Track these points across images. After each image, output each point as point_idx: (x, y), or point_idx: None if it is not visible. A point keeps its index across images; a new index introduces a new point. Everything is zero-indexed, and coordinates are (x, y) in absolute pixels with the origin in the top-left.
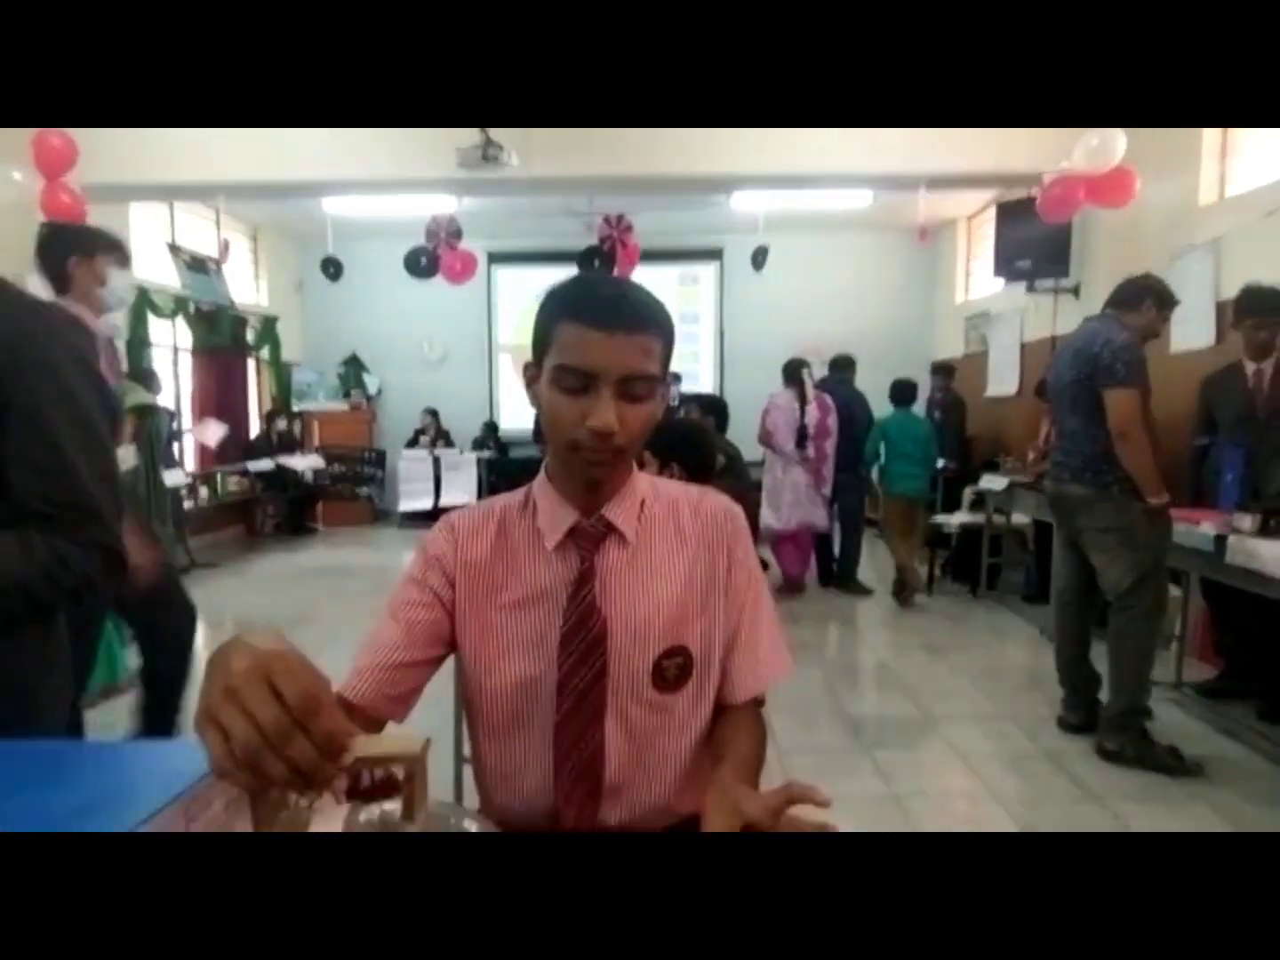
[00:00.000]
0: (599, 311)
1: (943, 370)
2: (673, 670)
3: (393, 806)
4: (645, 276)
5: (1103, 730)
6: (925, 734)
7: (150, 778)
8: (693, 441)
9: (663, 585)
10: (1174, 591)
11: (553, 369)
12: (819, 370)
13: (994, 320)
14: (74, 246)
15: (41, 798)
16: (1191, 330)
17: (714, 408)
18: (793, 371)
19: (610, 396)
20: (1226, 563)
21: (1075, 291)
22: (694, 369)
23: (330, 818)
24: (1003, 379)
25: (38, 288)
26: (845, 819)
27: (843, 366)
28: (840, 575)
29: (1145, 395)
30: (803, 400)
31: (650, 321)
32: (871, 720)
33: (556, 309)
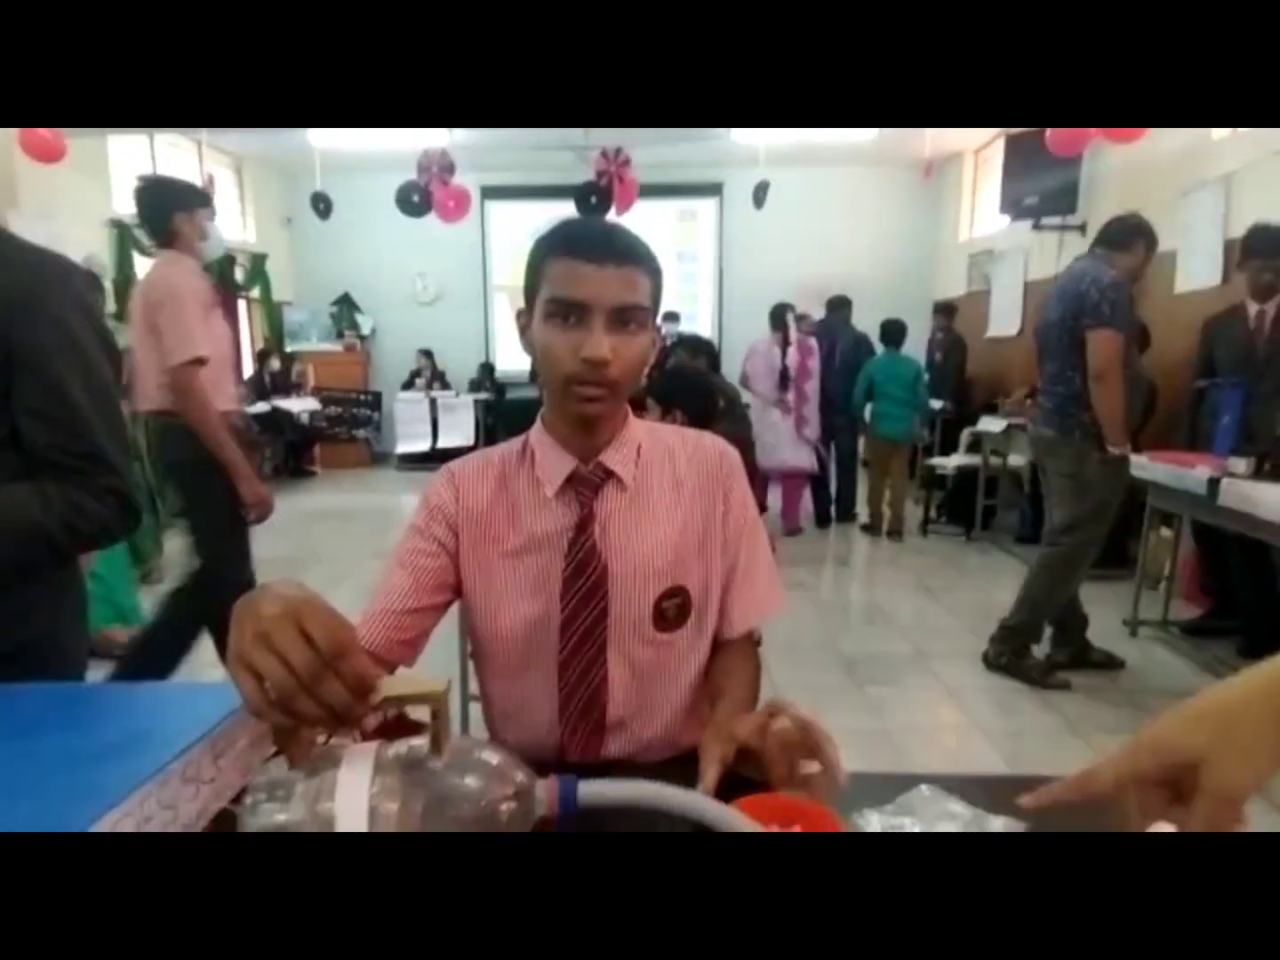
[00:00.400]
0: (588, 245)
1: (944, 310)
2: (672, 610)
3: (419, 742)
4: (643, 212)
5: (992, 639)
6: (917, 671)
7: (178, 718)
8: (694, 387)
9: (661, 528)
10: (1165, 534)
11: (545, 303)
12: (819, 311)
13: (997, 258)
14: (177, 202)
15: (73, 738)
16: (1198, 269)
17: (702, 349)
18: (778, 316)
19: (603, 327)
20: (1219, 505)
21: (1082, 229)
22: (692, 309)
23: (360, 755)
24: (1004, 319)
25: (20, 228)
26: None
27: (840, 307)
28: (838, 515)
29: (1135, 338)
30: (785, 344)
31: (638, 256)
32: (865, 658)
33: (546, 247)
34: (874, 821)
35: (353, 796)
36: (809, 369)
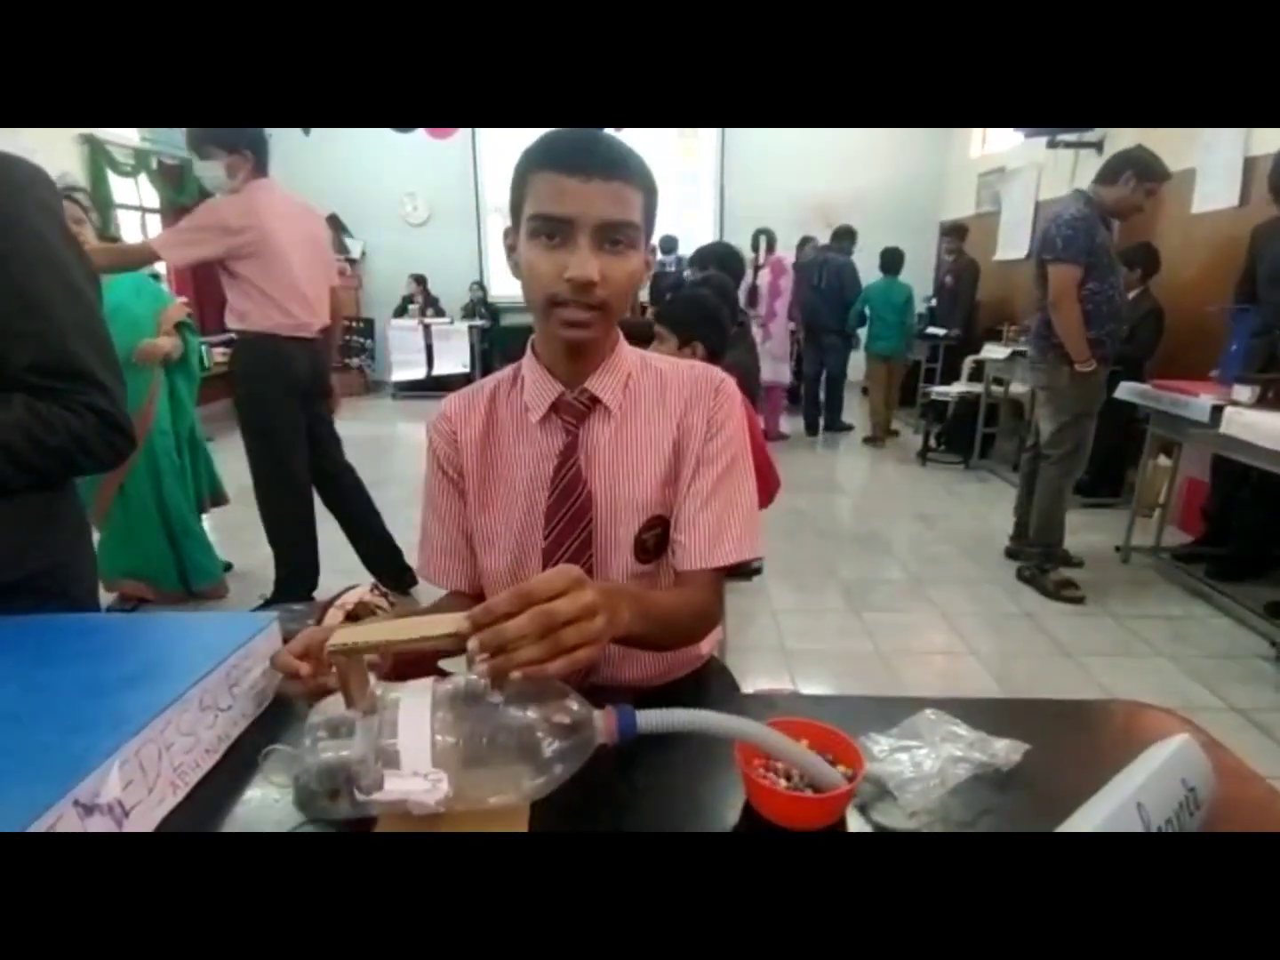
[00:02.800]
0: (574, 156)
1: (954, 231)
2: (652, 541)
3: (476, 677)
4: (643, 129)
5: (1022, 556)
6: (912, 597)
7: (192, 648)
8: (715, 319)
9: (647, 459)
10: (1164, 462)
11: (529, 220)
12: (822, 234)
13: (1009, 177)
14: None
15: (93, 668)
16: (1215, 189)
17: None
18: (754, 241)
19: (589, 246)
20: (1219, 433)
21: (1099, 147)
22: (693, 233)
23: (418, 692)
24: (1014, 241)
25: None
26: (835, 675)
27: (841, 237)
28: (828, 425)
29: (1111, 265)
30: (756, 264)
31: (628, 168)
32: (862, 584)
33: (530, 160)
34: (882, 743)
35: (416, 732)
36: (780, 288)
